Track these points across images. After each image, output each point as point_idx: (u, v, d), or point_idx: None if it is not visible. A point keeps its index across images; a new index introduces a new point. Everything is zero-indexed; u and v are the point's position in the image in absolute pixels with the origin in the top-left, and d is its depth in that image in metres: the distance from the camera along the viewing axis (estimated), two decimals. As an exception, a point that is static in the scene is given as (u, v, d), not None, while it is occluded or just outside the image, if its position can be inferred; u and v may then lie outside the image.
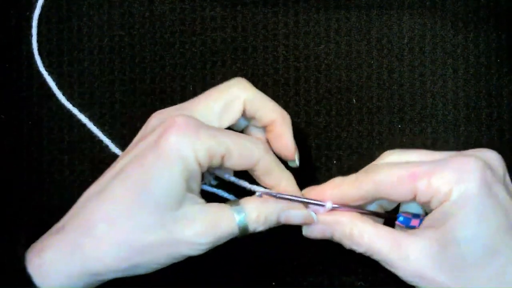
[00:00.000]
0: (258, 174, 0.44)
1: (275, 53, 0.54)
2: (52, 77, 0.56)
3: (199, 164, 0.40)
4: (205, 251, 0.42)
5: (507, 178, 0.42)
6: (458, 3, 0.53)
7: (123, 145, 0.54)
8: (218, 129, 0.43)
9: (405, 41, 0.53)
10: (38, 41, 0.56)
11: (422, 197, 0.40)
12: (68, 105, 0.53)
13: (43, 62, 0.56)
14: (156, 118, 0.44)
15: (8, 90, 0.56)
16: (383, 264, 0.42)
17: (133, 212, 0.40)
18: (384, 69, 0.53)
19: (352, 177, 0.44)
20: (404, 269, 0.41)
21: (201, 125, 0.41)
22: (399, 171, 0.41)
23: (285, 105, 0.53)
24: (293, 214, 0.44)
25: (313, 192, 0.45)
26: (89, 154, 0.55)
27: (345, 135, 0.53)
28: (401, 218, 0.44)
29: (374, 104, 0.53)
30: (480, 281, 0.39)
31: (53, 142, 0.55)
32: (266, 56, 0.54)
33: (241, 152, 0.42)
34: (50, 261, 0.40)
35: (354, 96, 0.53)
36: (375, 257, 0.42)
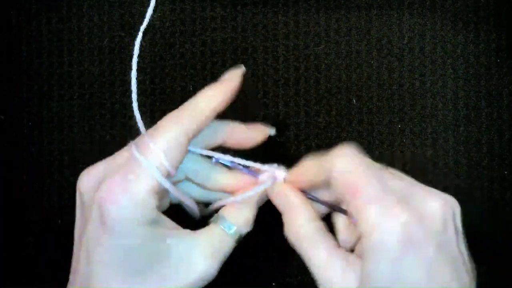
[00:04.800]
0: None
1: (275, 53, 0.54)
2: (52, 77, 0.56)
3: (150, 208, 0.39)
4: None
5: (450, 229, 0.38)
6: (458, 3, 0.53)
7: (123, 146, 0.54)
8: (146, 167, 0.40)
9: (405, 41, 0.53)
10: (38, 41, 0.56)
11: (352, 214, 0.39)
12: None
13: (43, 63, 0.56)
14: (86, 186, 0.41)
15: (8, 90, 0.56)
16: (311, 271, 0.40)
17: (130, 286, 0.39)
18: (384, 69, 0.53)
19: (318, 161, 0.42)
20: None
21: (125, 180, 0.39)
22: (349, 177, 0.39)
23: (285, 105, 0.53)
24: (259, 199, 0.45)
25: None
26: (89, 154, 0.55)
27: (345, 135, 0.53)
28: None
29: (374, 104, 0.53)
30: None
31: (53, 142, 0.55)
32: (266, 56, 0.54)
33: (174, 159, 0.40)
34: None
35: (354, 96, 0.53)
36: (305, 260, 0.40)
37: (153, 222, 0.39)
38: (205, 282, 0.41)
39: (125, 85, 0.55)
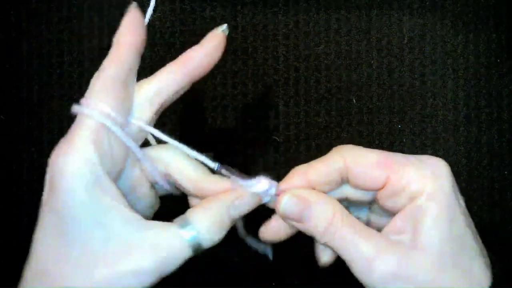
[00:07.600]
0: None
1: (275, 53, 0.54)
2: (52, 77, 0.56)
3: (91, 161, 0.36)
4: (157, 281, 0.36)
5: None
6: (458, 3, 0.53)
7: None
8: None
9: (405, 41, 0.53)
10: (38, 41, 0.56)
11: (391, 189, 0.38)
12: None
13: (43, 62, 0.56)
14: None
15: (8, 90, 0.56)
16: (349, 267, 0.39)
17: (61, 255, 0.37)
18: (384, 69, 0.53)
19: (318, 160, 0.40)
20: (368, 282, 0.38)
21: (68, 137, 0.38)
22: (372, 155, 0.39)
23: (285, 105, 0.53)
24: (243, 204, 0.39)
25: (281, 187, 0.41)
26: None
27: (345, 135, 0.53)
28: None
29: (374, 104, 0.53)
30: (449, 283, 0.37)
31: (53, 142, 0.55)
32: (266, 56, 0.54)
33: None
34: None
35: (354, 96, 0.53)
36: (341, 255, 0.39)
37: (97, 185, 0.36)
38: (139, 283, 0.35)
39: (125, 85, 0.55)
